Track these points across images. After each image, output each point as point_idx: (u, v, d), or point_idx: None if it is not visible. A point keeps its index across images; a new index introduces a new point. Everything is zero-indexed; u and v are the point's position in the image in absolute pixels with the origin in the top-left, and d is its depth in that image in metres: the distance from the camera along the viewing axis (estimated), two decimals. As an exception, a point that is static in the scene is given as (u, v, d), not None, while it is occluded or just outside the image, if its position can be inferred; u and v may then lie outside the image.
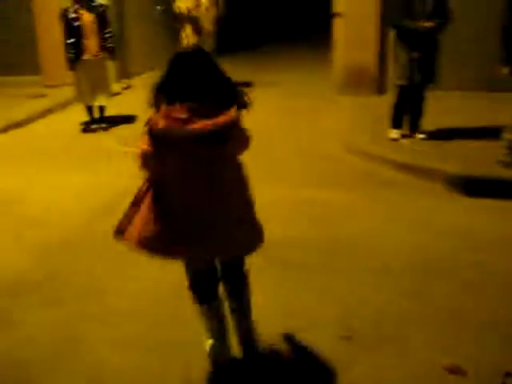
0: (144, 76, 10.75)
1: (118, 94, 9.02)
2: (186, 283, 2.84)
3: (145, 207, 2.67)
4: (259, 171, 5.62)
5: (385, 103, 7.49)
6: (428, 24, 5.78)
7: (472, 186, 5.08)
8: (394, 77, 6.34)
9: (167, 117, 2.46)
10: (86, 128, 7.52)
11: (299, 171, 5.78)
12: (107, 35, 7.17)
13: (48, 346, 3.16)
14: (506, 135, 5.33)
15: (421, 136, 6.29)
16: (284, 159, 6.14)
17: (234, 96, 2.57)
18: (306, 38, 13.82)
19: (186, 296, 2.87)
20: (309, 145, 6.62)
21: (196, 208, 2.57)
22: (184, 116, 2.43)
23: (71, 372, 2.96)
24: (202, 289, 2.82)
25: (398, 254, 4.03)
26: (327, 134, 6.94)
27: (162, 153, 2.53)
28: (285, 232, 4.35)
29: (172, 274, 3.76)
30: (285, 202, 4.99)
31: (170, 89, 2.52)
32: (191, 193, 2.58)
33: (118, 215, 4.70)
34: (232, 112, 2.49)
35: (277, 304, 3.46)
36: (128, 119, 7.93)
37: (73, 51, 7.00)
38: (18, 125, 7.78)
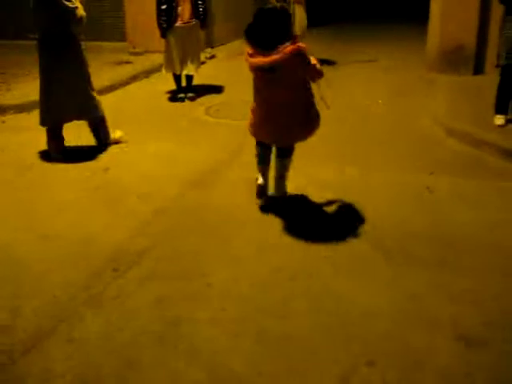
0: (227, 46, 10.60)
1: (202, 63, 8.86)
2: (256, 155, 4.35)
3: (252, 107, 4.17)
4: (361, 154, 5.40)
5: (483, 84, 7.09)
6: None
7: None
8: (498, 56, 5.88)
9: (248, 53, 3.89)
10: (173, 97, 7.42)
11: (401, 154, 5.44)
12: (199, 2, 6.96)
13: (146, 327, 3.01)
14: None
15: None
16: (382, 141, 5.80)
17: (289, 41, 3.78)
18: (402, 15, 13.14)
19: (298, 283, 2.65)
20: (406, 125, 6.26)
21: (269, 112, 4.01)
22: (252, 52, 3.87)
23: (175, 356, 2.80)
24: (262, 158, 4.32)
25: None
26: (424, 114, 6.56)
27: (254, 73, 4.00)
28: (397, 221, 4.11)
29: (272, 257, 3.68)
30: (392, 187, 4.69)
31: (249, 35, 3.86)
32: (266, 102, 4.00)
33: (210, 189, 4.63)
34: (282, 53, 3.71)
35: (394, 301, 3.23)
36: (214, 89, 7.81)
37: (165, 18, 6.82)
38: (103, 91, 7.74)
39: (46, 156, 5.42)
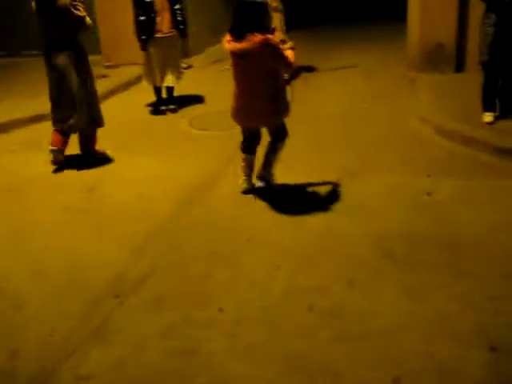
0: (202, 55, 10.45)
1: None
2: (240, 141, 4.63)
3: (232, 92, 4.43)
4: (352, 157, 5.31)
5: (465, 81, 7.08)
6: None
7: None
8: (479, 53, 5.85)
9: (227, 39, 4.23)
10: (155, 110, 7.25)
11: (392, 155, 5.38)
12: (178, 12, 6.79)
13: (158, 360, 2.84)
14: None
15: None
16: (372, 143, 5.73)
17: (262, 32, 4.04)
18: (376, 15, 12.99)
19: (311, 299, 2.53)
20: (394, 126, 6.20)
21: (243, 96, 4.32)
22: (229, 39, 4.19)
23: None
24: (247, 145, 4.61)
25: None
26: (410, 113, 6.50)
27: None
28: (399, 226, 4.04)
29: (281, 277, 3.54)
30: (389, 189, 4.64)
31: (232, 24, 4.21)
32: (241, 85, 4.31)
33: (205, 204, 4.49)
34: (251, 42, 4.01)
35: (407, 309, 3.14)
36: (194, 100, 7.66)
37: (144, 30, 6.62)
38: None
39: (32, 178, 5.23)
